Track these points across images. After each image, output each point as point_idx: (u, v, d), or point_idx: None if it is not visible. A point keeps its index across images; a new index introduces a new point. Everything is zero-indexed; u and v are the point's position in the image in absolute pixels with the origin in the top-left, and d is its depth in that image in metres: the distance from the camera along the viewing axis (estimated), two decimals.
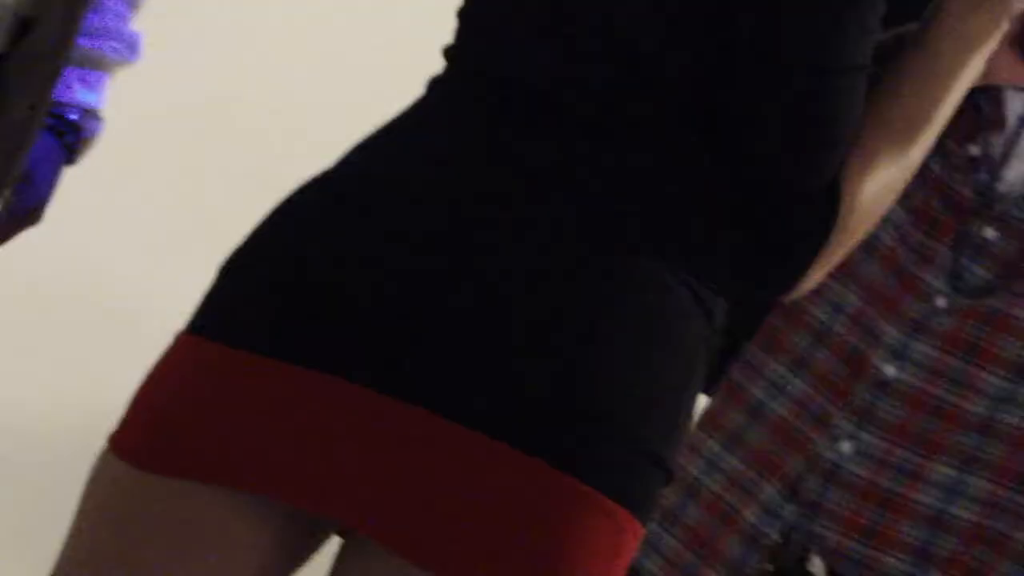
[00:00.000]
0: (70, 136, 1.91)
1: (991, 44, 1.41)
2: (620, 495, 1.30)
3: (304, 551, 1.40)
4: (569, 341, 1.30)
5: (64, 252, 3.17)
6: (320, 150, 2.44)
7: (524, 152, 1.37)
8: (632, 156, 1.35)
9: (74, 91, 1.91)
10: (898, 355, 1.80)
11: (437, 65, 2.16)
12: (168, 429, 1.33)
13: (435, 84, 1.44)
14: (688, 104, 1.35)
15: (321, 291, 1.31)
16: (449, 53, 1.45)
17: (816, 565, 1.81)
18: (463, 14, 1.46)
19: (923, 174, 1.87)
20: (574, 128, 1.37)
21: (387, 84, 2.98)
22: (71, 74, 1.91)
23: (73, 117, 1.91)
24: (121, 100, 2.90)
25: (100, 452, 1.37)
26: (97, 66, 1.95)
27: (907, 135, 1.37)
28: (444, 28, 2.41)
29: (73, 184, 3.07)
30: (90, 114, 1.93)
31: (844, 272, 1.86)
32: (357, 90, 3.56)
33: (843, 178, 1.34)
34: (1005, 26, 1.40)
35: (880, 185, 1.36)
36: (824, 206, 1.32)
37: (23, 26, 1.70)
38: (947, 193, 1.84)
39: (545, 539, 1.29)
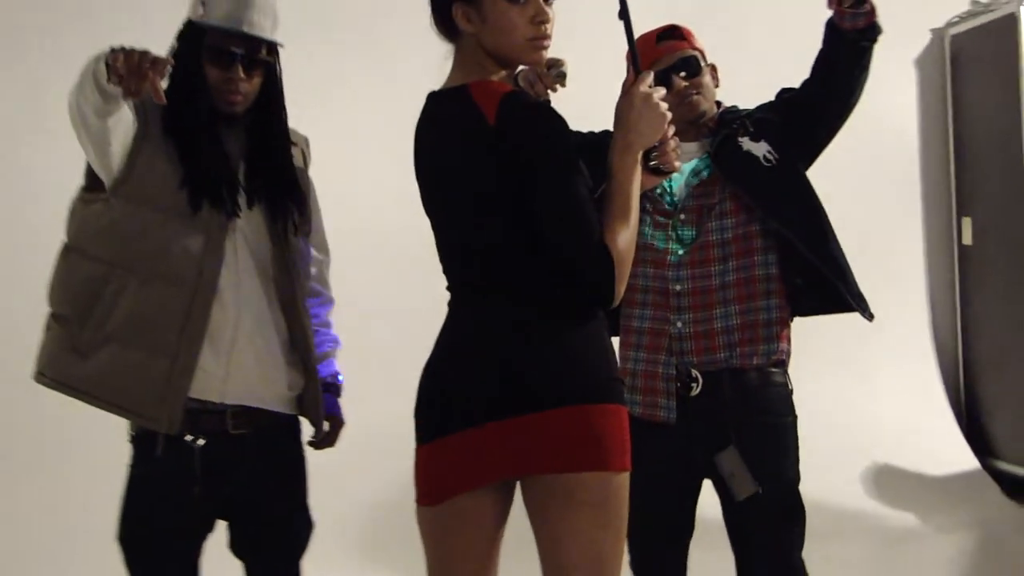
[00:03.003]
0: (336, 393, 2.83)
1: (638, 170, 2.23)
2: (608, 400, 2.16)
3: (506, 507, 2.27)
4: (547, 359, 2.11)
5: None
6: None
7: (467, 319, 2.23)
8: (507, 296, 2.19)
9: (335, 367, 2.84)
10: (677, 280, 2.94)
11: None
12: (428, 483, 2.24)
13: None
14: (521, 250, 2.17)
15: (440, 404, 2.21)
16: None
17: (694, 363, 2.88)
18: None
19: (647, 209, 2.96)
20: (470, 296, 2.24)
21: None
22: (333, 364, 2.82)
23: (341, 380, 2.84)
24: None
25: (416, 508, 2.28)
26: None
27: (623, 215, 2.18)
28: None
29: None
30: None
31: (636, 258, 2.65)
32: None
33: (607, 244, 2.12)
34: (639, 162, 2.22)
35: (623, 240, 2.15)
36: (605, 259, 2.12)
37: None
38: (658, 209, 3.01)
39: (594, 434, 2.12)
